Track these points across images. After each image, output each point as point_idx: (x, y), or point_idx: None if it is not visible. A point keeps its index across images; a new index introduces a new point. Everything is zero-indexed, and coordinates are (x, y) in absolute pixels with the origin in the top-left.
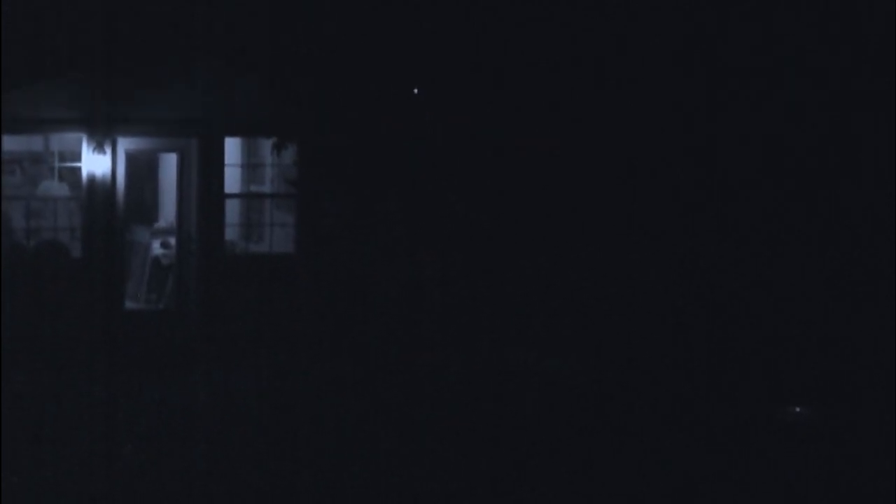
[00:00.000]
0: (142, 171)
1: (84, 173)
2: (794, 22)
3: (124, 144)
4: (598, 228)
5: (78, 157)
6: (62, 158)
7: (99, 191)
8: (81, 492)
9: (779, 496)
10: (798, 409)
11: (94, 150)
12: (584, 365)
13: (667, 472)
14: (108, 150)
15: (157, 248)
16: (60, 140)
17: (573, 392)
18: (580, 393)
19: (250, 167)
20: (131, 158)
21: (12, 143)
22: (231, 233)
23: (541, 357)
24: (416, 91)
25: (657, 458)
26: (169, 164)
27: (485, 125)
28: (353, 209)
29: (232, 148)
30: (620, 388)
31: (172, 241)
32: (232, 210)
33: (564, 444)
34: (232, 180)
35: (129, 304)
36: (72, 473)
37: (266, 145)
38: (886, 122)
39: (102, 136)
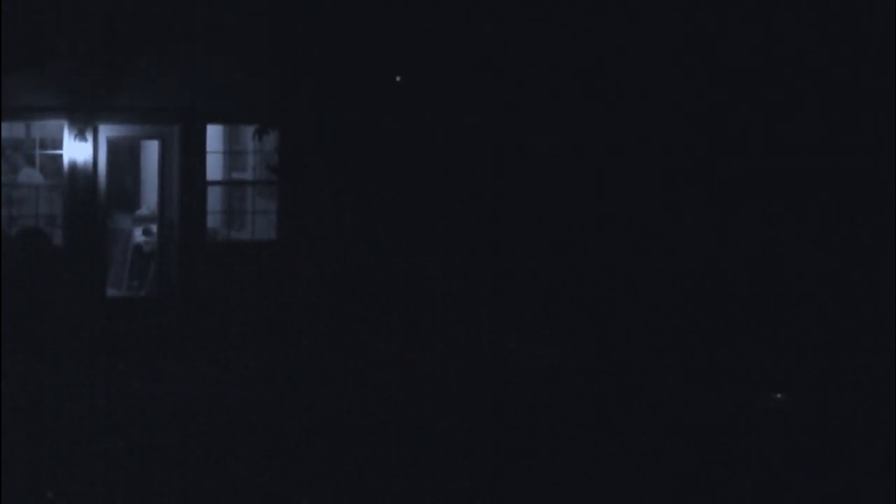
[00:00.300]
0: (123, 158)
1: (65, 160)
2: (794, 22)
3: (106, 131)
4: (591, 222)
5: (59, 145)
6: (43, 146)
7: (80, 178)
8: (64, 479)
9: (760, 482)
10: (780, 396)
11: (75, 137)
12: (576, 355)
13: (651, 458)
14: (90, 138)
15: (138, 235)
16: (42, 127)
17: (564, 381)
18: (570, 382)
19: (232, 154)
20: (113, 145)
21: None
22: (213, 220)
23: (531, 346)
24: (398, 78)
25: (642, 444)
26: (151, 152)
27: (467, 113)
28: (336, 196)
29: (214, 135)
30: (606, 379)
31: (154, 228)
32: (214, 197)
33: (554, 431)
34: (214, 167)
35: (111, 292)
36: (53, 461)
37: (248, 132)
38: (886, 122)
39: (84, 124)
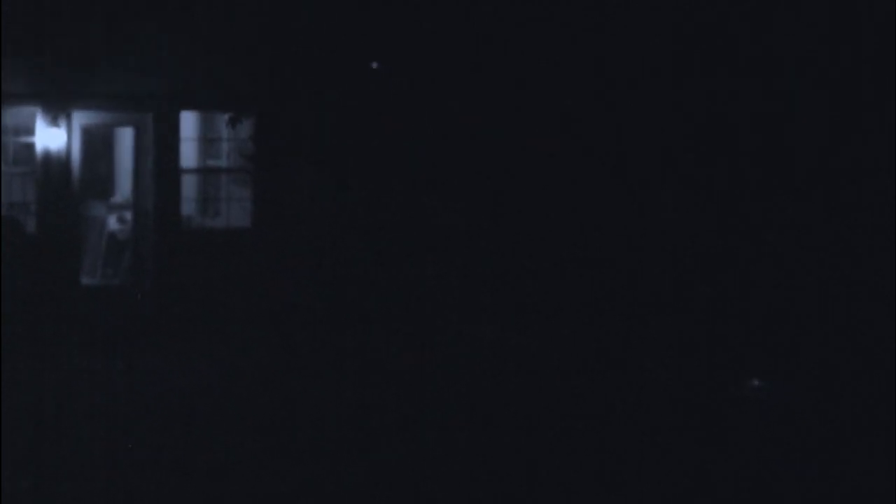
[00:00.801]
0: (97, 145)
1: (39, 148)
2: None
3: (79, 118)
4: (569, 211)
5: (32, 132)
6: (17, 133)
7: (54, 165)
8: (34, 467)
9: (738, 470)
10: (757, 383)
11: (49, 124)
12: (547, 344)
13: (626, 447)
14: (63, 125)
15: (113, 223)
16: (15, 114)
17: (543, 371)
18: (546, 372)
19: (206, 141)
20: (87, 133)
21: None
22: (187, 207)
23: (493, 329)
24: (374, 65)
25: (617, 433)
26: (125, 139)
27: (444, 101)
28: (310, 183)
29: (188, 122)
30: (579, 369)
31: (129, 216)
32: (188, 185)
33: (535, 420)
34: (188, 155)
35: (86, 280)
36: (24, 450)
37: (222, 119)
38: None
39: (57, 111)
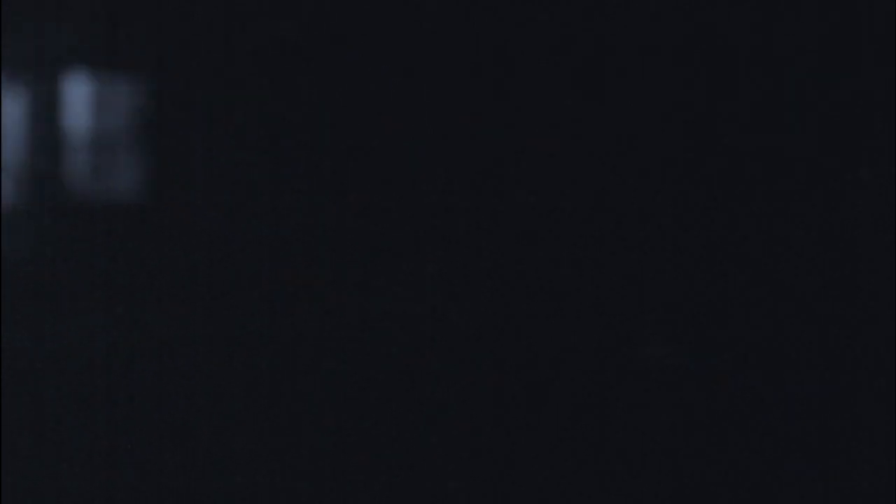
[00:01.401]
0: None
1: None
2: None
3: None
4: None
5: None
6: None
7: None
8: None
9: (641, 450)
10: (662, 350)
11: None
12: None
13: (529, 423)
14: None
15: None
16: None
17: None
18: (444, 339)
19: (100, 106)
20: None
21: None
22: (79, 177)
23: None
24: (286, 26)
25: (519, 408)
26: (13, 104)
27: (367, 64)
28: (214, 150)
29: (81, 86)
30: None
31: (20, 184)
32: (80, 153)
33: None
34: (81, 121)
35: None
36: None
37: (121, 81)
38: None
39: None
